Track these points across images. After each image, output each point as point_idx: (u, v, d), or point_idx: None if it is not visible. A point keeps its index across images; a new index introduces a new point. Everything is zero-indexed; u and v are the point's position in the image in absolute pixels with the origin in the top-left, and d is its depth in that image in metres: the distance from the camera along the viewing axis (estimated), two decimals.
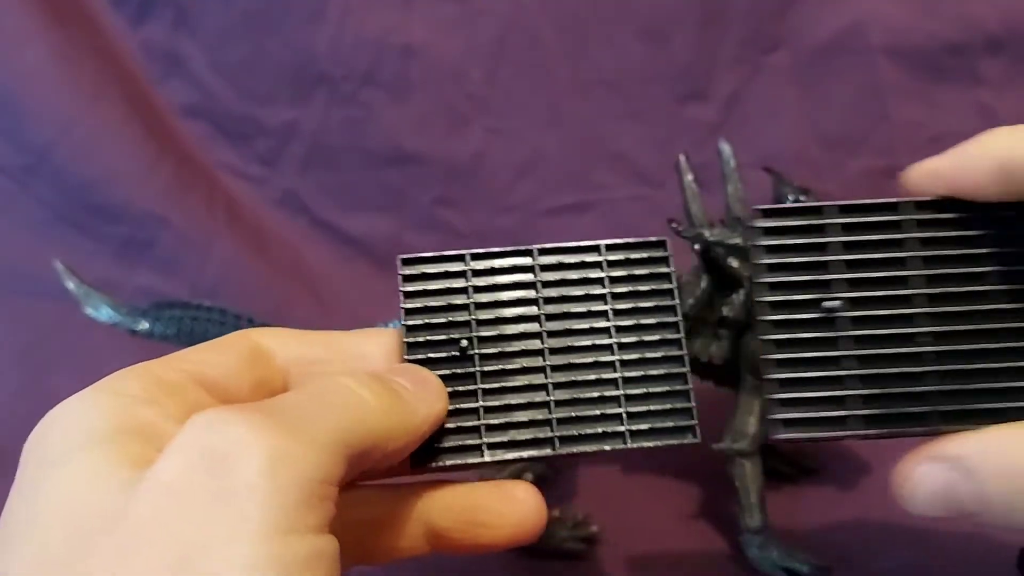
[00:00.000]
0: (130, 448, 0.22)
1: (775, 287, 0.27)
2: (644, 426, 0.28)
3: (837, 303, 0.27)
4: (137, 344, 0.50)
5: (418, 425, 0.27)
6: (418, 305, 0.29)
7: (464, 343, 0.28)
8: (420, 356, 0.28)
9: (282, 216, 0.64)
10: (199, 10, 0.62)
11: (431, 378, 0.29)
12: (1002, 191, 0.27)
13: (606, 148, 0.63)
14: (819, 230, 0.27)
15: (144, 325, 0.47)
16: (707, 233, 0.40)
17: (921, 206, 0.28)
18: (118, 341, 0.51)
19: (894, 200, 0.28)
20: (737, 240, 0.40)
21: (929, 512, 0.26)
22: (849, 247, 0.27)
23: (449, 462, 0.28)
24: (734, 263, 0.40)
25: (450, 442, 0.28)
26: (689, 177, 0.42)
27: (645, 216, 0.60)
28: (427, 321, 0.28)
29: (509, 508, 0.28)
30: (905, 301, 0.27)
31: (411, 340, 0.28)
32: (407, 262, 0.29)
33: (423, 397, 0.27)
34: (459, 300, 0.29)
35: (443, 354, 0.28)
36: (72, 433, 0.22)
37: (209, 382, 0.26)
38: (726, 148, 0.43)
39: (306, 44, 0.62)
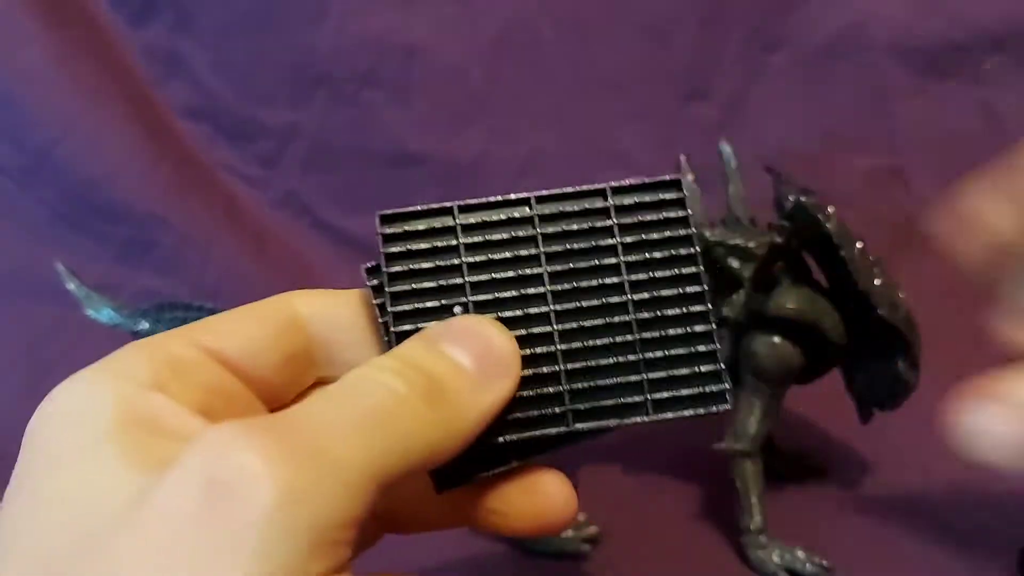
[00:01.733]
0: (139, 445, 0.20)
1: (401, 296, 0.25)
2: (666, 394, 0.25)
3: (459, 309, 0.25)
4: None
5: (473, 425, 0.22)
6: (403, 268, 0.25)
7: (457, 310, 0.25)
8: (408, 327, 0.25)
9: (283, 217, 0.64)
10: (199, 11, 0.62)
11: (500, 345, 0.24)
12: None
13: (607, 148, 0.63)
14: (447, 232, 0.26)
15: (144, 325, 0.46)
16: (707, 233, 0.40)
17: (543, 200, 0.26)
18: (119, 342, 0.51)
19: (522, 195, 0.26)
20: (738, 240, 0.40)
21: (996, 462, 0.22)
22: (477, 248, 0.25)
23: None
24: (734, 263, 0.40)
25: None
26: (689, 177, 0.42)
27: None
28: (414, 287, 0.25)
29: (531, 501, 0.25)
30: (537, 300, 0.25)
31: (398, 310, 0.25)
32: (387, 219, 0.26)
33: (486, 380, 0.23)
34: (450, 261, 0.26)
35: (434, 323, 0.25)
36: (76, 425, 0.20)
37: (230, 358, 0.23)
38: (727, 148, 0.43)
39: (307, 45, 0.62)
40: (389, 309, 0.25)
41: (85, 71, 0.60)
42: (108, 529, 0.18)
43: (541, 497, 0.25)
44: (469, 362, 0.23)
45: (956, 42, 0.60)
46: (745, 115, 0.62)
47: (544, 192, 0.26)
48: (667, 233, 0.26)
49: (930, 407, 0.31)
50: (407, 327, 0.25)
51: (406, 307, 0.25)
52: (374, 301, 0.26)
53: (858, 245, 0.38)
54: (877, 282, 0.38)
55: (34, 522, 0.19)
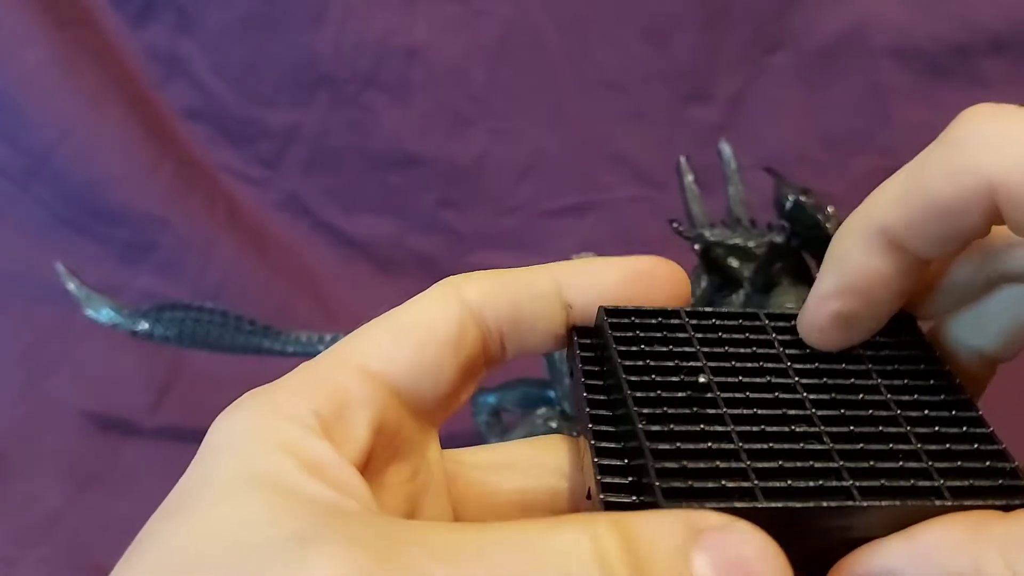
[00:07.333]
0: (287, 498, 0.18)
1: (634, 370, 0.24)
2: (963, 482, 0.22)
3: (704, 378, 0.23)
4: (138, 346, 0.50)
5: None
6: (635, 349, 0.24)
7: (702, 379, 0.23)
8: (656, 411, 0.23)
9: (284, 218, 0.64)
10: (200, 12, 0.62)
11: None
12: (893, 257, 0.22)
13: (608, 149, 0.63)
14: (679, 328, 0.25)
15: (144, 326, 0.47)
16: (707, 233, 0.40)
17: (776, 317, 0.26)
18: (119, 343, 0.51)
19: (753, 311, 0.26)
20: (737, 240, 0.40)
21: None
22: (710, 343, 0.25)
23: (710, 504, 0.20)
24: (734, 263, 0.40)
25: (708, 482, 0.21)
26: (690, 178, 0.42)
27: (647, 217, 0.60)
28: (649, 363, 0.24)
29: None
30: (798, 406, 0.24)
31: (641, 395, 0.23)
32: (612, 313, 0.25)
33: None
34: (686, 348, 0.24)
35: (676, 394, 0.23)
36: (236, 465, 0.19)
37: (399, 383, 0.21)
38: (727, 149, 0.43)
39: (308, 46, 0.62)
40: (628, 378, 0.23)
41: (86, 72, 0.60)
42: None
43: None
44: None
45: (956, 43, 0.60)
46: (746, 116, 0.62)
47: (783, 318, 0.26)
48: (921, 366, 0.24)
49: None
50: (643, 394, 0.23)
51: (639, 378, 0.23)
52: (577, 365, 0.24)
53: None
54: None
55: (170, 539, 0.18)
